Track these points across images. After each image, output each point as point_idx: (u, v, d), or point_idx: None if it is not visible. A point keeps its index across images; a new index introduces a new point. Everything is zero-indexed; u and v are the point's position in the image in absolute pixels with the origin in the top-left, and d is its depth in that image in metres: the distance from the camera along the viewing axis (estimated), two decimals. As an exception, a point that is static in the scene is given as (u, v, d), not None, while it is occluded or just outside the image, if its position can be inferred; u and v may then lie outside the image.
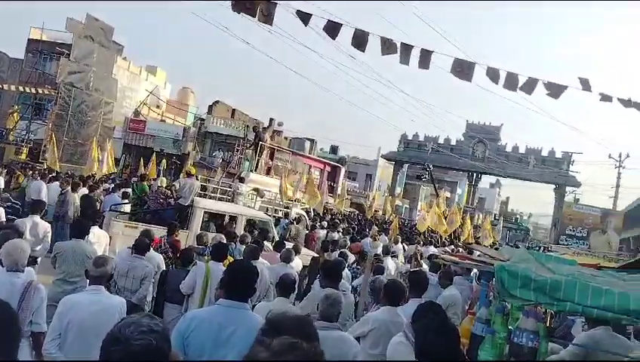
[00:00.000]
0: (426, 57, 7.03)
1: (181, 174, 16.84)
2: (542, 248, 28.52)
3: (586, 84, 7.25)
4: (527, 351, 2.34)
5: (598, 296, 2.27)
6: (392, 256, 10.29)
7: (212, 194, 16.04)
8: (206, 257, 7.49)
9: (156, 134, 31.92)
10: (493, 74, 7.45)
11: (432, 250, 14.87)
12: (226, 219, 11.65)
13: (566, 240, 34.08)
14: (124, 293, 5.79)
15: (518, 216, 58.10)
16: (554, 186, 38.16)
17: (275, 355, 1.20)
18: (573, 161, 37.10)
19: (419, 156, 39.33)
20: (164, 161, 25.07)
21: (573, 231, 35.16)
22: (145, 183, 12.01)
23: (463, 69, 7.32)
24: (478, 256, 3.94)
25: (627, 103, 7.14)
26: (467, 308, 7.32)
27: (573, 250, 22.27)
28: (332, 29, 6.15)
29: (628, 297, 2.22)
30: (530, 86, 7.56)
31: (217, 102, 36.71)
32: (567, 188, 37.79)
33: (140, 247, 6.17)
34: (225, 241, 7.54)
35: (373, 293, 6.00)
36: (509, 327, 2.63)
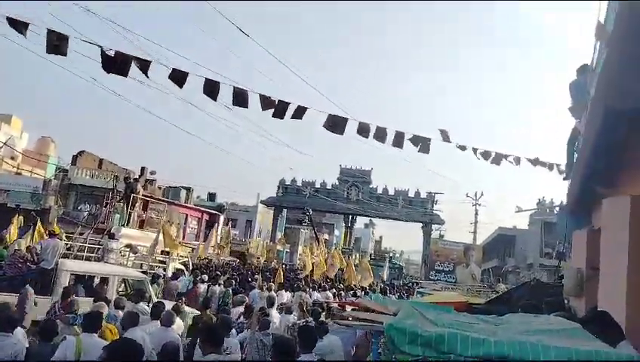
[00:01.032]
0: (300, 112, 7.33)
1: (36, 233, 15.34)
2: (414, 283, 30.14)
3: (445, 136, 8.02)
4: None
5: (477, 345, 2.46)
6: (281, 309, 10.19)
7: (79, 253, 14.82)
8: (77, 328, 6.83)
9: (11, 188, 28.90)
10: (362, 128, 7.95)
11: (316, 295, 15.03)
12: (96, 280, 10.81)
13: (435, 275, 36.50)
14: (-12, 378, 5.06)
15: (391, 254, 61.11)
16: (421, 224, 40.93)
17: None
18: (436, 201, 40.24)
19: (297, 200, 40.06)
20: (20, 217, 22.68)
21: (441, 266, 37.81)
22: (3, 248, 10.76)
23: (335, 124, 7.73)
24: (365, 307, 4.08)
25: (484, 155, 8.03)
26: (353, 352, 7.44)
27: (440, 285, 23.92)
28: (210, 88, 6.18)
29: (503, 345, 2.44)
30: (398, 139, 8.18)
31: (82, 151, 34.38)
32: (433, 226, 40.74)
33: (6, 323, 5.43)
34: (103, 310, 6.94)
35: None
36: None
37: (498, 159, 8.36)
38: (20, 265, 10.02)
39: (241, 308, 9.28)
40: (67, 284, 9.78)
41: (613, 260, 4.48)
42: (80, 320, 6.99)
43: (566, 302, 6.62)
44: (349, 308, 4.88)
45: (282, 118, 7.33)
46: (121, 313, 7.54)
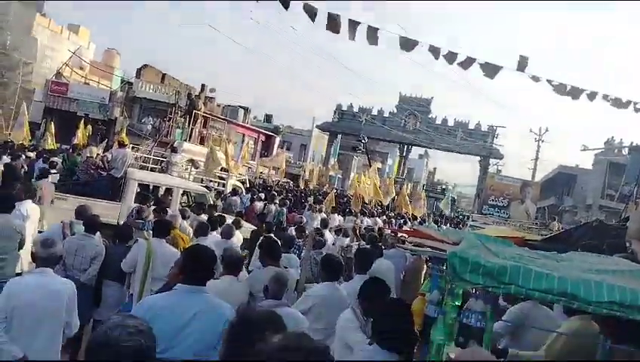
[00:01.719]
0: (373, 33, 7.12)
1: (106, 142, 16.10)
2: (465, 216, 29.98)
3: (522, 64, 7.63)
4: (475, 331, 2.53)
5: (539, 279, 2.47)
6: (334, 231, 10.50)
7: (143, 164, 15.56)
8: (145, 233, 7.33)
9: (80, 98, 30.14)
10: (434, 50, 7.69)
11: (366, 221, 15.32)
12: (161, 190, 11.38)
13: (488, 210, 36.15)
14: (72, 271, 5.60)
15: (444, 186, 60.63)
16: (479, 158, 40.04)
17: (284, 351, 1.25)
18: (497, 135, 39.01)
19: (353, 127, 39.82)
20: (89, 126, 23.83)
21: (495, 201, 37.33)
22: (76, 155, 11.43)
23: (408, 45, 7.50)
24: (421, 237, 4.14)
25: (558, 88, 7.63)
26: (402, 276, 7.66)
27: (492, 219, 23.70)
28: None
29: (566, 281, 2.44)
30: (467, 63, 7.88)
31: (146, 65, 35.10)
32: (491, 161, 39.80)
33: (90, 225, 5.94)
34: (176, 220, 7.38)
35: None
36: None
37: (573, 93, 7.92)
38: (92, 172, 10.66)
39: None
40: (135, 192, 10.40)
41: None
42: (149, 226, 7.51)
43: (628, 245, 6.45)
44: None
45: (353, 39, 7.08)
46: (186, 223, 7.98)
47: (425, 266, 7.06)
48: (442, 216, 26.62)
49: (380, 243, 8.15)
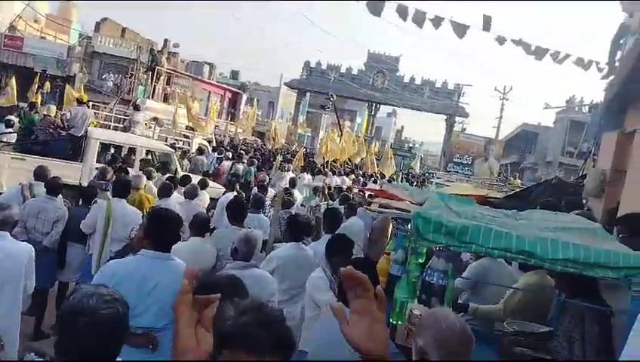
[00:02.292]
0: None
1: (65, 99, 15.50)
2: (430, 174, 30.44)
3: (487, 24, 7.62)
4: (437, 288, 2.61)
5: (499, 238, 2.55)
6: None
7: (105, 123, 15.12)
8: (108, 194, 7.18)
9: (37, 53, 28.74)
10: (402, 10, 7.58)
11: (336, 179, 15.39)
12: (124, 150, 11.12)
13: (453, 167, 36.87)
14: (34, 234, 5.48)
15: (411, 145, 61.19)
16: (445, 116, 40.41)
17: (242, 315, 1.25)
18: (463, 93, 39.30)
19: (322, 84, 39.40)
20: (47, 83, 22.86)
21: (460, 158, 38.06)
22: (34, 113, 10.98)
23: (376, 8, 7.38)
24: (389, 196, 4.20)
25: (524, 47, 7.68)
26: (369, 234, 7.78)
27: (455, 177, 24.19)
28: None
29: (524, 240, 2.52)
30: (436, 22, 7.82)
31: (105, 19, 33.60)
32: (457, 119, 40.22)
33: (53, 188, 5.77)
34: (140, 180, 7.21)
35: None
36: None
37: (538, 53, 7.99)
38: (51, 131, 10.30)
39: (270, 189, 9.52)
40: (96, 152, 10.13)
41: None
42: (110, 187, 7.36)
43: (585, 201, 6.70)
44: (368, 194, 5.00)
45: None
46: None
47: (391, 225, 7.18)
48: (410, 175, 26.99)
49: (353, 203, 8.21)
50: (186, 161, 13.20)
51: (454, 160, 37.88)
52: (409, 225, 2.87)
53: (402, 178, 22.65)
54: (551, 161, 37.72)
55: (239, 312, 1.26)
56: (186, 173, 9.44)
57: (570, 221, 3.50)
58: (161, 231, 2.95)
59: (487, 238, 2.57)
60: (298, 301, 4.56)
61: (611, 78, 6.60)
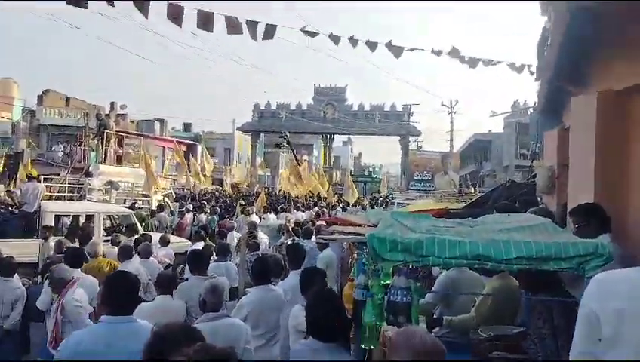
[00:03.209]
0: (270, 31, 7.13)
1: (18, 177, 15.17)
2: (390, 195, 30.72)
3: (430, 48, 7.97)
4: (402, 306, 2.63)
5: (453, 248, 2.61)
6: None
7: (60, 194, 14.74)
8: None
9: (-21, 134, 28.10)
10: (335, 38, 7.83)
11: (300, 215, 15.40)
12: (82, 219, 10.88)
13: (414, 185, 37.39)
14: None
15: (371, 170, 61.95)
16: (399, 137, 41.23)
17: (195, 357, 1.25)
18: (412, 113, 40.26)
19: (274, 124, 39.68)
20: (-7, 163, 22.21)
21: (420, 175, 38.67)
22: (-19, 196, 10.65)
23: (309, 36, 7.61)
24: (348, 222, 4.24)
25: (453, 54, 8.05)
26: (341, 265, 7.79)
27: (414, 194, 24.53)
28: (174, 15, 5.93)
29: (477, 245, 2.59)
30: (371, 46, 8.10)
31: (47, 90, 33.21)
32: (411, 138, 41.07)
33: (7, 268, 5.57)
34: (74, 245, 7.05)
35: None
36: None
37: (472, 62, 8.36)
38: (2, 211, 10.02)
39: (236, 234, 9.45)
40: (51, 225, 9.86)
41: (581, 157, 4.66)
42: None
43: (539, 199, 6.92)
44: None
45: (256, 40, 7.15)
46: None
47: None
48: (374, 199, 27.22)
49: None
50: (155, 221, 12.98)
51: (415, 178, 38.47)
52: (365, 248, 2.90)
53: (367, 203, 22.83)
54: (507, 165, 38.80)
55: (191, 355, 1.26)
56: (143, 233, 9.26)
57: (523, 219, 3.61)
58: (116, 295, 2.89)
59: (442, 249, 2.63)
60: (275, 343, 4.50)
61: (541, 80, 6.94)
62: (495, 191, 8.19)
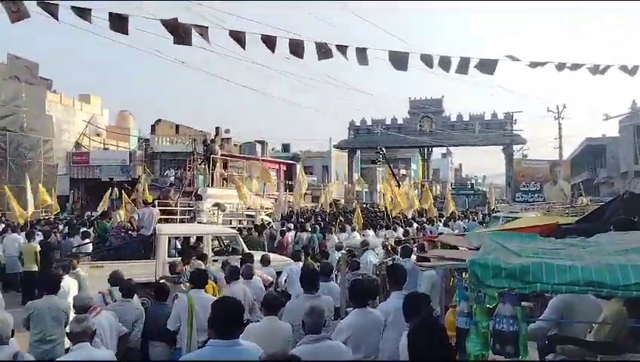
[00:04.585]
0: (362, 54, 7.22)
1: (124, 203, 16.37)
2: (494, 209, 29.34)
3: (513, 58, 7.62)
4: (509, 335, 2.50)
5: (563, 273, 2.44)
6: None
7: (171, 217, 15.78)
8: (183, 286, 7.43)
9: (101, 163, 31.04)
10: (426, 59, 7.70)
11: (400, 231, 15.20)
12: (192, 239, 11.54)
13: (521, 196, 35.49)
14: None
15: (472, 181, 59.80)
16: (502, 147, 39.48)
17: None
18: (515, 120, 38.47)
19: (370, 140, 39.82)
20: (115, 190, 24.43)
21: (527, 186, 36.64)
22: (106, 221, 11.72)
23: (397, 58, 7.55)
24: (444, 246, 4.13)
25: (560, 67, 7.57)
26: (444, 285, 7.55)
27: (519, 206, 23.14)
28: (269, 42, 6.23)
29: (590, 270, 2.41)
30: (463, 66, 7.86)
31: (159, 120, 35.96)
32: (515, 147, 39.19)
33: (127, 290, 6.09)
34: (203, 266, 7.48)
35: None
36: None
37: (573, 68, 7.84)
38: (123, 235, 10.93)
39: (338, 253, 9.47)
40: (167, 247, 10.58)
41: None
42: (184, 279, 7.62)
43: (662, 212, 6.26)
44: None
45: (347, 58, 7.26)
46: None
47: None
48: (476, 213, 26.20)
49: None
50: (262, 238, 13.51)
51: (521, 188, 36.51)
52: (466, 274, 2.81)
53: (467, 217, 22.03)
54: (626, 171, 35.67)
55: None
56: (247, 253, 9.60)
57: (641, 239, 3.30)
58: (221, 320, 3.04)
59: (551, 275, 2.47)
60: None
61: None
62: (611, 203, 7.50)
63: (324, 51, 6.51)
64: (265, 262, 9.05)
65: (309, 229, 15.34)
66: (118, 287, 6.34)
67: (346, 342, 4.24)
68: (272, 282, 8.62)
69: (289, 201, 25.09)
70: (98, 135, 36.27)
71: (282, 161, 39.59)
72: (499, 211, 20.61)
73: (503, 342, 2.50)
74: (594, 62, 7.83)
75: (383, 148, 33.99)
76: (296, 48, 6.49)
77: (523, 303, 2.92)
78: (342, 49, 6.63)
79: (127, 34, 6.18)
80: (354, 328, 4.42)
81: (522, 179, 36.95)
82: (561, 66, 7.66)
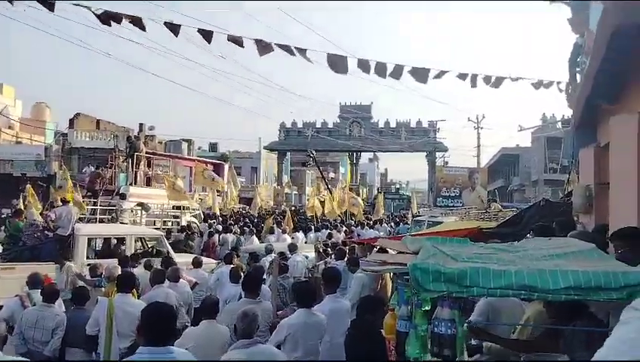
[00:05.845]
0: (302, 53, 7.24)
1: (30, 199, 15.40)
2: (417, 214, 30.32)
3: (441, 72, 7.94)
4: (447, 338, 2.57)
5: (498, 278, 2.55)
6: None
7: (91, 217, 15.03)
8: (103, 289, 7.07)
9: (14, 158, 28.93)
10: (363, 65, 7.84)
11: (336, 234, 15.34)
12: (113, 241, 11.03)
13: (442, 201, 36.95)
14: (33, 345, 5.33)
15: (397, 186, 61.61)
16: (425, 153, 40.99)
17: None
18: (438, 129, 40.07)
19: (300, 142, 39.98)
20: (28, 186, 22.83)
21: (447, 191, 38.19)
22: (19, 220, 10.90)
23: (335, 62, 7.63)
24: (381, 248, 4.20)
25: (485, 79, 7.96)
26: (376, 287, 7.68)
27: (438, 211, 24.17)
28: (206, 34, 6.08)
29: (523, 275, 2.52)
30: (397, 72, 8.08)
31: (79, 114, 34.12)
32: (437, 154, 40.81)
33: (49, 294, 5.67)
34: (120, 270, 7.13)
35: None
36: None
37: (498, 82, 8.30)
38: (37, 235, 10.22)
39: (269, 257, 9.41)
40: (85, 248, 10.03)
41: (622, 178, 4.53)
42: (104, 282, 7.25)
43: (575, 219, 6.74)
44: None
45: (292, 54, 7.23)
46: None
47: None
48: (402, 216, 27.00)
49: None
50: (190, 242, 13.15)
51: (442, 194, 38.03)
52: (406, 277, 2.86)
53: (393, 221, 22.66)
54: (536, 179, 38.14)
55: None
56: (167, 256, 9.33)
57: (564, 245, 3.51)
58: (152, 327, 2.91)
59: (487, 279, 2.56)
60: None
61: (575, 96, 6.81)
62: (529, 209, 7.99)
63: (264, 45, 6.45)
64: (197, 264, 8.83)
65: (237, 231, 15.14)
66: (38, 291, 5.91)
67: (284, 341, 4.24)
68: (196, 283, 8.40)
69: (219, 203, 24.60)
70: (10, 127, 33.77)
71: (209, 160, 38.77)
72: (421, 216, 21.37)
73: (441, 345, 2.57)
74: (513, 75, 8.33)
75: (314, 151, 34.22)
76: (235, 41, 6.38)
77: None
78: (283, 46, 6.60)
79: (52, 11, 5.82)
80: (296, 327, 4.43)
81: (443, 185, 38.51)
82: (487, 79, 8.07)
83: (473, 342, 4.18)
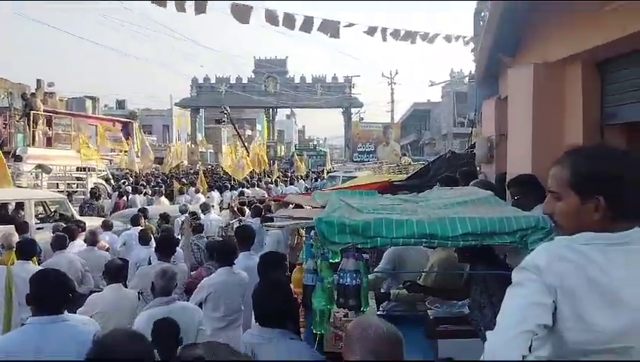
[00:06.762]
0: (201, 5, 6.88)
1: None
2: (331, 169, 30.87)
3: (351, 24, 7.88)
4: (352, 289, 2.60)
5: (400, 228, 2.59)
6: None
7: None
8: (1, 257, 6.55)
9: None
10: (271, 16, 7.59)
11: (247, 192, 15.20)
12: (11, 206, 10.24)
13: (358, 156, 37.82)
14: None
15: (315, 143, 62.01)
16: (341, 109, 41.36)
17: None
18: (354, 84, 40.41)
19: (214, 99, 38.77)
20: None
21: (363, 147, 39.11)
22: None
23: (240, 12, 7.32)
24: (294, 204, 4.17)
25: (388, 32, 8.01)
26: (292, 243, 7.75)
27: (353, 166, 24.82)
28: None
29: (424, 224, 2.58)
30: (307, 25, 7.91)
31: (-35, 69, 30.79)
32: (353, 110, 41.32)
33: None
34: (18, 237, 6.62)
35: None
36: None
37: (407, 37, 8.38)
38: None
39: (182, 217, 9.13)
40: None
41: (519, 128, 4.76)
42: (0, 250, 6.71)
43: (478, 169, 7.10)
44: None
45: (184, 11, 7.00)
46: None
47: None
48: (320, 173, 27.30)
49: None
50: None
51: (358, 149, 38.87)
52: (313, 232, 2.84)
53: (312, 178, 22.88)
54: (446, 133, 39.86)
55: None
56: (77, 220, 8.85)
57: (465, 193, 3.65)
58: (42, 295, 2.71)
59: (390, 229, 2.60)
60: (238, 326, 4.46)
61: (478, 50, 7.03)
62: (436, 162, 8.32)
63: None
64: (107, 226, 8.41)
65: (149, 192, 14.59)
66: None
67: (205, 300, 4.19)
68: (108, 248, 8.05)
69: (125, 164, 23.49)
70: None
71: (117, 118, 36.71)
72: (336, 171, 21.71)
73: (346, 296, 2.59)
74: (424, 30, 8.43)
75: (228, 108, 33.40)
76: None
77: (364, 255, 3.08)
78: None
79: None
80: (217, 286, 4.40)
81: (359, 141, 39.32)
82: (396, 34, 8.11)
83: (382, 289, 4.34)
